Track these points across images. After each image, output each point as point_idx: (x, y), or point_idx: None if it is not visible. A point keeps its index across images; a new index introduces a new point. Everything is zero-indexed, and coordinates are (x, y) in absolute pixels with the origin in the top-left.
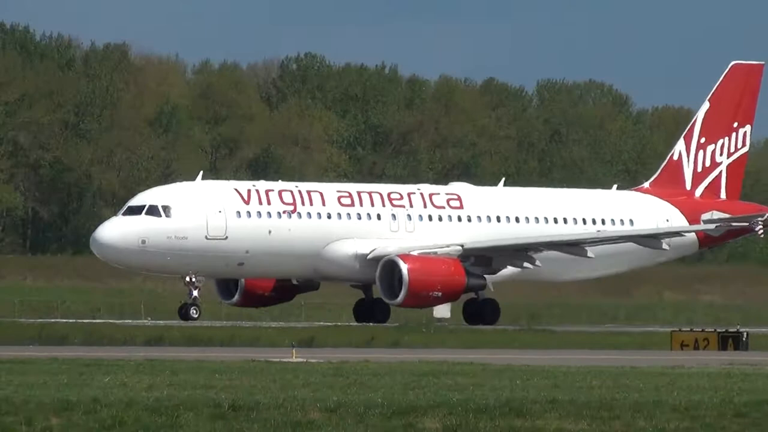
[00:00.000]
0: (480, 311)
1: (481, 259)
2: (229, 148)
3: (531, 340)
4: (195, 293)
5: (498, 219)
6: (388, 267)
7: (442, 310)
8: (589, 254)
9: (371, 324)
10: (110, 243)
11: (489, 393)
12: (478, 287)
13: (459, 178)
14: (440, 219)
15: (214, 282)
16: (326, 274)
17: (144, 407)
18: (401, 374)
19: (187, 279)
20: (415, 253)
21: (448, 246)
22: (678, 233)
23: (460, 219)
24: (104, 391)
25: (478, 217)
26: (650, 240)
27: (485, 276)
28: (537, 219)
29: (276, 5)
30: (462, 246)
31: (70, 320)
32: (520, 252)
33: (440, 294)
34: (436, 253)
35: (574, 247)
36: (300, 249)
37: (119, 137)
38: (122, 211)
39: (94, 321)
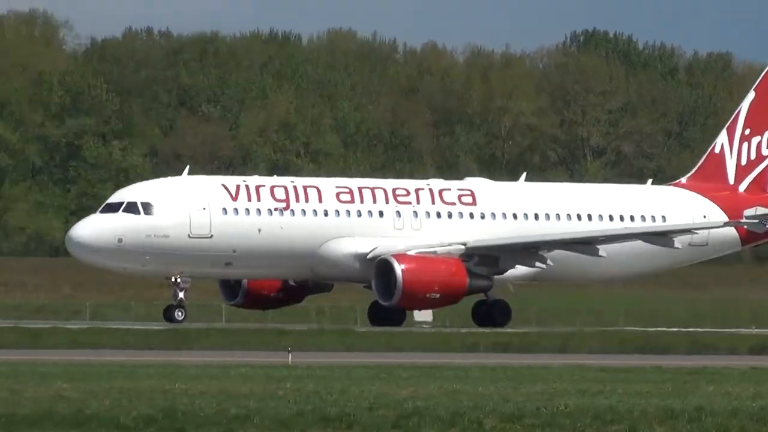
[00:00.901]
0: (489, 313)
1: (486, 259)
2: None
3: None
4: (181, 294)
5: (514, 216)
6: (383, 267)
7: None
8: (601, 253)
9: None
10: (84, 242)
11: None
12: (482, 288)
13: None
14: (449, 216)
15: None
16: (324, 275)
17: (749, 416)
18: None
19: (173, 280)
20: (412, 252)
21: (449, 245)
22: (689, 230)
23: (471, 216)
24: (708, 399)
25: (492, 214)
26: (659, 238)
27: (492, 276)
28: (558, 216)
29: None
30: (465, 245)
31: (673, 329)
32: (529, 251)
33: (438, 295)
34: (435, 252)
35: (584, 245)
36: (293, 248)
37: None
38: (100, 209)
39: (699, 330)
